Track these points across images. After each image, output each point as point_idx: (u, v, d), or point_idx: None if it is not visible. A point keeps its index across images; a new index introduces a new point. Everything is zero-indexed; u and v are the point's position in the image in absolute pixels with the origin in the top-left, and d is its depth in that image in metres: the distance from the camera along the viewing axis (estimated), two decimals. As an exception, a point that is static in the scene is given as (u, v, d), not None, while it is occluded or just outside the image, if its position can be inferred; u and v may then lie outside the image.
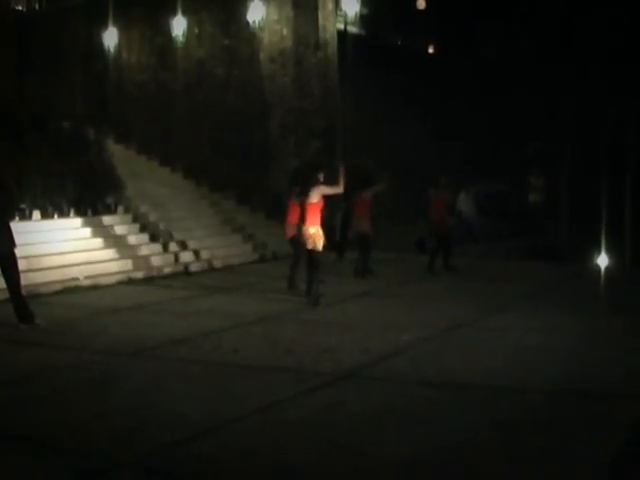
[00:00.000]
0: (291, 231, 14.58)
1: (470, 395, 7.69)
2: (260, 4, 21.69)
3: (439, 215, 16.50)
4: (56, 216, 16.89)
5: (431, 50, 28.64)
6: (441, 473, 5.82)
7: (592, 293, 12.99)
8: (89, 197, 17.65)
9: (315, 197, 12.93)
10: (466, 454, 6.12)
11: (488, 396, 7.64)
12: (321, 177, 13.11)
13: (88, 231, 17.08)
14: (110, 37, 24.37)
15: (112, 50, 24.47)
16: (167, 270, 16.89)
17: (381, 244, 17.97)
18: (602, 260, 15.23)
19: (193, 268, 17.38)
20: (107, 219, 17.79)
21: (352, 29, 21.86)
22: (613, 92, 21.58)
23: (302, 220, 13.26)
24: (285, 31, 21.67)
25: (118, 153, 21.24)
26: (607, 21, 21.57)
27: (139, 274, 16.31)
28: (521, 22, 24.89)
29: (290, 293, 14.04)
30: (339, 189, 13.26)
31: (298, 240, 13.98)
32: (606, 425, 6.69)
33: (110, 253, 16.72)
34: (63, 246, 16.05)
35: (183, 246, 18.29)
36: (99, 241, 16.96)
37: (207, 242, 18.82)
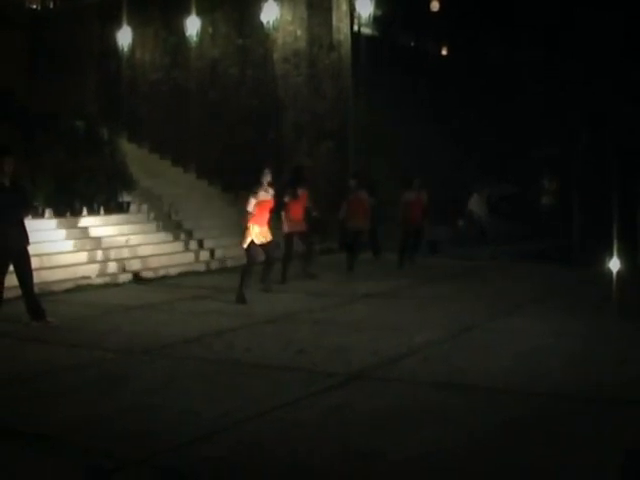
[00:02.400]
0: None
1: (480, 397, 7.68)
2: (274, 5, 21.71)
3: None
4: (69, 214, 16.95)
5: (444, 52, 28.60)
6: (452, 475, 5.81)
7: (604, 297, 12.93)
8: (101, 196, 17.70)
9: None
10: (476, 456, 6.11)
11: (498, 398, 7.62)
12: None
13: (100, 229, 17.13)
14: (124, 36, 24.39)
15: (126, 49, 24.50)
16: (179, 269, 16.91)
17: (392, 246, 18.00)
18: (614, 263, 15.15)
19: (206, 267, 17.40)
20: (119, 218, 17.84)
21: (366, 30, 21.86)
22: (625, 94, 21.53)
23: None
24: (299, 32, 21.69)
25: (131, 152, 21.25)
26: (618, 22, 21.53)
27: (150, 273, 16.34)
28: (531, 25, 24.85)
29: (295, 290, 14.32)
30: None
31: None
32: (616, 429, 6.66)
33: (121, 252, 16.75)
34: (75, 244, 16.10)
35: (197, 245, 18.34)
36: (111, 240, 17.00)
37: (222, 241, 18.83)
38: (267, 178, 13.51)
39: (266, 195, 13.44)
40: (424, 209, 17.90)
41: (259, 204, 13.26)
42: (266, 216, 13.48)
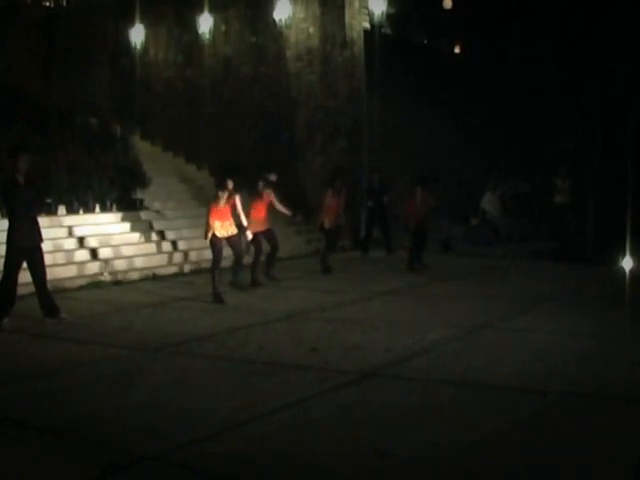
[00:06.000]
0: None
1: (493, 395, 7.66)
2: (287, 2, 21.73)
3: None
4: (81, 211, 16.97)
5: (457, 50, 28.51)
6: (463, 473, 5.80)
7: (617, 296, 12.90)
8: (115, 193, 17.72)
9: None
10: (488, 454, 6.10)
11: (511, 397, 7.60)
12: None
13: (114, 227, 17.16)
14: (137, 34, 24.48)
15: (139, 47, 24.57)
16: (190, 267, 16.92)
17: (405, 244, 17.99)
18: (627, 262, 15.12)
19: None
20: (132, 215, 17.84)
21: (379, 28, 21.80)
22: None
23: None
24: (312, 29, 21.68)
25: (144, 149, 21.36)
26: (632, 19, 21.46)
27: (163, 270, 16.36)
28: (546, 21, 24.80)
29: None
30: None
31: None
32: (628, 428, 6.64)
33: (135, 249, 16.78)
34: (88, 241, 16.13)
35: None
36: (124, 237, 17.03)
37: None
38: (229, 185, 13.63)
39: (224, 201, 13.61)
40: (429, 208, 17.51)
41: (222, 207, 13.56)
42: (227, 215, 13.68)
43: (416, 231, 16.79)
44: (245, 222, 14.56)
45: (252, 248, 15.19)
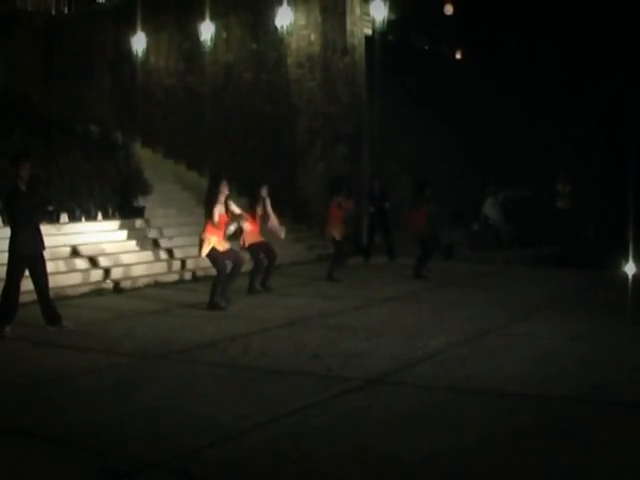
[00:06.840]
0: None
1: (497, 401, 7.65)
2: (288, 9, 21.77)
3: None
4: (83, 219, 16.96)
5: (459, 56, 28.56)
6: (466, 479, 5.78)
7: (619, 301, 12.88)
8: (116, 200, 17.72)
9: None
10: (491, 460, 6.07)
11: (514, 403, 7.58)
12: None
13: (115, 234, 17.16)
14: (138, 41, 24.52)
15: (140, 54, 24.61)
16: (192, 274, 16.91)
17: (407, 250, 18.01)
18: (629, 268, 15.09)
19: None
20: (134, 222, 17.84)
21: (380, 34, 21.82)
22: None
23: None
24: (313, 36, 21.72)
25: (145, 157, 21.36)
26: (634, 21, 21.50)
27: (166, 277, 16.35)
28: (546, 25, 24.85)
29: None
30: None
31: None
32: (631, 434, 6.63)
33: (137, 256, 16.78)
34: (90, 249, 16.12)
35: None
36: (126, 244, 17.04)
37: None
38: (225, 191, 13.28)
39: (222, 208, 13.20)
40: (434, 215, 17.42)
41: (220, 217, 13.13)
42: (222, 229, 13.22)
43: (422, 240, 16.73)
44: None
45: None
